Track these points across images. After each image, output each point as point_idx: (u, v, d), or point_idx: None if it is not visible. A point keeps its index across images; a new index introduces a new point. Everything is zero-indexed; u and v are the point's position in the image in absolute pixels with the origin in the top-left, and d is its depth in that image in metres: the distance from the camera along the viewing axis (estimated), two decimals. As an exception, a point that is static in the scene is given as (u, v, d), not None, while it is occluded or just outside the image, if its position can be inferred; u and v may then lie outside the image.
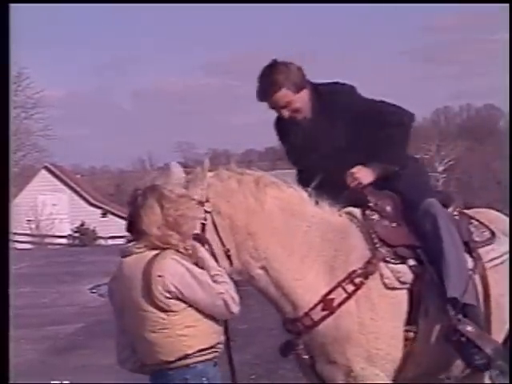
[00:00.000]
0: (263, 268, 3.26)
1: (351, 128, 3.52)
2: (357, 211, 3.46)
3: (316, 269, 3.28)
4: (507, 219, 3.85)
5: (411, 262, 3.36)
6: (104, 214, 35.97)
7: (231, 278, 3.11)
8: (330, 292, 3.25)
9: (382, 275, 3.30)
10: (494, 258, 3.56)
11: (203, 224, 3.17)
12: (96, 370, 7.14)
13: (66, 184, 36.52)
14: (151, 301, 2.92)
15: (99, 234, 30.00)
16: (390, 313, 3.29)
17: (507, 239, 3.65)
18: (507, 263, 3.59)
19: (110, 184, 46.21)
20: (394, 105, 3.61)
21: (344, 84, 3.63)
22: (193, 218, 3.13)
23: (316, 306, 3.24)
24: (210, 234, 3.18)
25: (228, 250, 3.20)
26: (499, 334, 3.56)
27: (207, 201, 3.19)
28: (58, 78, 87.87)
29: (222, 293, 2.97)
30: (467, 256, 3.48)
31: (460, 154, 47.92)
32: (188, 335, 2.95)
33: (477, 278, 3.48)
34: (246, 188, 3.26)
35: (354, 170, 3.46)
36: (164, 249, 3.01)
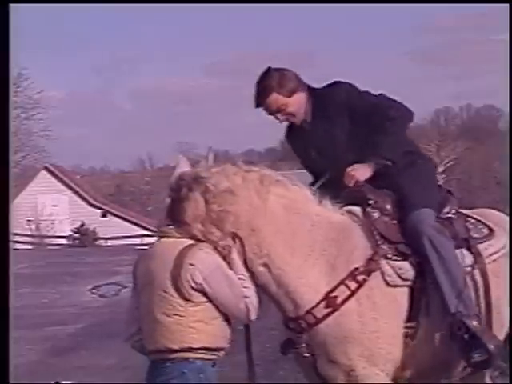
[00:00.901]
0: (265, 265, 3.27)
1: (351, 125, 3.57)
2: (357, 209, 3.49)
3: (318, 268, 3.29)
4: (502, 215, 3.88)
5: (412, 258, 3.37)
6: (104, 215, 35.94)
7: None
8: (333, 290, 3.26)
9: (383, 273, 3.31)
10: (493, 253, 3.59)
11: None
12: (96, 370, 7.14)
13: (65, 184, 36.49)
14: (176, 286, 2.97)
15: (99, 235, 29.98)
16: (392, 311, 3.30)
17: (504, 233, 3.68)
18: (506, 257, 3.61)
19: (110, 184, 46.15)
20: (393, 99, 3.63)
21: (342, 82, 3.65)
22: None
23: (319, 303, 3.25)
24: None
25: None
26: (499, 331, 3.56)
27: None
28: (58, 79, 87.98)
29: (247, 297, 3.03)
30: (467, 253, 3.50)
31: (460, 154, 47.91)
32: (198, 329, 2.98)
33: (477, 273, 3.50)
34: (251, 185, 3.28)
35: (349, 169, 3.49)
36: (202, 241, 3.07)
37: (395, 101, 3.64)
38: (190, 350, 2.96)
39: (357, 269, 3.28)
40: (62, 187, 36.36)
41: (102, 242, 29.22)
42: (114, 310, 9.43)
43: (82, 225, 29.64)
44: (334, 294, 3.25)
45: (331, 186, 3.50)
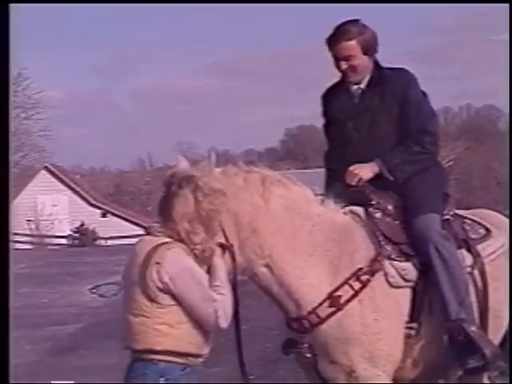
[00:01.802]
0: (267, 266, 3.25)
1: (394, 117, 3.54)
2: (360, 210, 3.47)
3: (320, 268, 3.27)
4: (499, 215, 3.89)
5: (415, 259, 3.36)
6: (104, 215, 35.93)
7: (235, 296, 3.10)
8: (336, 289, 3.25)
9: (386, 274, 3.30)
10: (491, 253, 3.59)
11: None
12: (96, 370, 7.14)
13: (65, 184, 36.48)
14: (142, 285, 2.91)
15: (99, 235, 29.96)
16: (394, 313, 3.29)
17: (501, 233, 3.68)
18: (504, 257, 3.62)
19: (110, 184, 46.13)
20: (433, 115, 3.68)
21: (409, 72, 3.63)
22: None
23: (322, 303, 3.24)
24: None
25: (231, 246, 3.19)
26: (496, 330, 3.58)
27: None
28: (58, 79, 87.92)
29: (215, 301, 2.93)
30: (466, 253, 3.50)
31: (460, 154, 47.80)
32: (163, 332, 2.92)
33: (476, 273, 3.50)
34: (252, 186, 3.27)
35: (352, 168, 3.48)
36: (182, 241, 2.99)
37: (434, 116, 3.69)
38: (153, 352, 2.92)
39: (360, 269, 3.26)
40: (62, 187, 36.34)
41: (101, 241, 29.19)
42: (113, 310, 9.41)
43: (82, 224, 29.62)
44: (337, 294, 3.24)
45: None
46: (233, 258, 3.18)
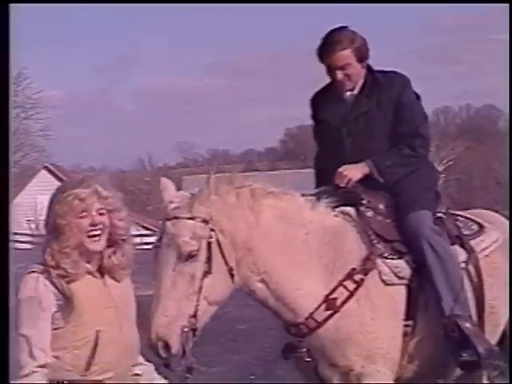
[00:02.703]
0: (263, 281, 3.24)
1: (389, 121, 3.56)
2: (351, 210, 3.46)
3: (315, 275, 3.26)
4: (495, 214, 3.91)
5: (408, 256, 3.35)
6: (104, 214, 35.91)
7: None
8: (331, 292, 3.25)
9: (380, 272, 3.29)
10: (485, 248, 3.60)
11: (209, 242, 3.13)
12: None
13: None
14: None
15: (99, 234, 29.93)
16: (390, 311, 3.28)
17: (495, 229, 3.69)
18: (499, 252, 3.63)
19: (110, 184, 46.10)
20: (424, 117, 3.65)
21: (402, 75, 3.64)
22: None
23: (319, 307, 3.23)
24: (214, 253, 3.14)
25: (231, 269, 3.17)
26: (493, 326, 3.58)
27: (211, 218, 3.16)
28: (58, 78, 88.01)
29: (30, 343, 2.68)
30: (460, 249, 3.50)
31: (460, 154, 47.85)
32: None
33: (471, 269, 3.51)
34: (244, 201, 3.24)
35: (341, 169, 3.48)
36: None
37: (425, 120, 3.66)
38: None
39: (354, 269, 3.26)
40: (62, 187, 36.34)
41: (101, 241, 29.13)
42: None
43: (82, 224, 29.56)
44: (333, 296, 3.23)
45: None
46: (232, 280, 3.17)
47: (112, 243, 2.85)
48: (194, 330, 3.08)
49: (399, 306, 3.32)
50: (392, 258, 3.33)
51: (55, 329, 2.70)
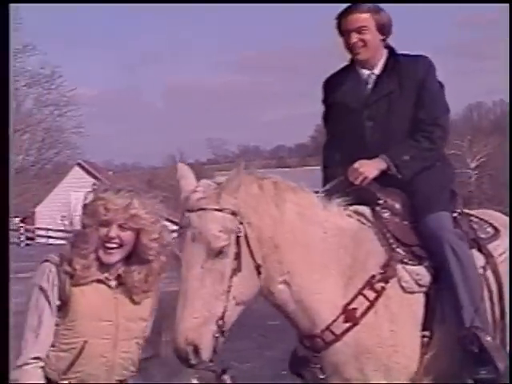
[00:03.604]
0: (285, 283, 2.98)
1: (413, 104, 3.31)
2: (366, 210, 3.20)
3: (334, 280, 3.02)
4: (504, 216, 3.66)
5: (427, 262, 3.12)
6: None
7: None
8: (350, 302, 3.00)
9: (399, 278, 3.06)
10: (502, 253, 3.34)
11: (238, 236, 2.85)
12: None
13: (98, 180, 36.73)
14: None
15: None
16: (409, 322, 3.06)
17: (507, 232, 3.45)
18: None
19: (142, 180, 46.46)
20: (445, 107, 3.41)
21: (427, 58, 3.39)
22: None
23: (337, 318, 2.98)
24: (243, 248, 2.87)
25: (259, 266, 2.90)
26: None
27: (239, 210, 2.88)
28: (91, 77, 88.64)
29: (23, 356, 2.67)
30: (477, 253, 3.26)
31: (493, 150, 47.20)
32: None
33: (489, 274, 3.26)
34: (268, 194, 3.00)
35: (356, 165, 3.22)
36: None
37: (447, 111, 3.41)
38: None
39: (374, 276, 3.01)
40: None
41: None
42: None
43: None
44: (352, 307, 2.98)
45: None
46: (259, 278, 2.91)
47: (138, 261, 2.76)
48: (222, 332, 2.81)
49: (418, 316, 3.08)
50: (413, 264, 3.09)
51: (56, 324, 2.69)
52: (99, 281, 2.72)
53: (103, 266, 2.73)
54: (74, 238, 2.80)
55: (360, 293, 3.01)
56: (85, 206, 2.79)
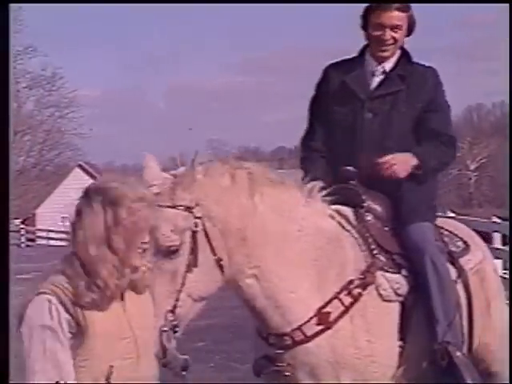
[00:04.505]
0: (254, 276, 2.86)
1: (417, 109, 3.24)
2: (349, 211, 3.11)
3: (310, 280, 2.91)
4: (466, 227, 3.63)
5: (406, 271, 3.04)
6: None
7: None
8: (325, 305, 2.89)
9: (378, 286, 2.97)
10: (472, 268, 3.31)
11: (194, 232, 2.72)
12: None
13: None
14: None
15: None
16: (386, 332, 2.97)
17: (477, 248, 3.43)
18: (482, 272, 3.38)
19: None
20: (450, 127, 3.36)
21: (437, 72, 3.34)
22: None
23: (310, 319, 2.87)
24: (201, 243, 2.74)
25: (220, 259, 2.77)
26: (489, 342, 3.33)
27: (197, 205, 2.74)
28: (93, 77, 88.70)
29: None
30: (450, 266, 3.20)
31: (493, 152, 47.16)
32: None
33: (460, 287, 3.21)
34: (240, 185, 2.85)
35: (389, 157, 3.07)
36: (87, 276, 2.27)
37: (454, 137, 3.34)
38: None
39: (352, 281, 2.91)
40: (95, 185, 36.66)
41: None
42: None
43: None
44: (326, 310, 2.88)
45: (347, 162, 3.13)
46: (222, 273, 2.78)
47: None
48: (174, 327, 2.68)
49: (394, 325, 2.99)
50: (393, 272, 3.00)
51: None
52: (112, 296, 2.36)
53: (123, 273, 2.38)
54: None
55: (336, 297, 2.91)
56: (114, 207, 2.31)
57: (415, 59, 3.37)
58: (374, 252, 3.01)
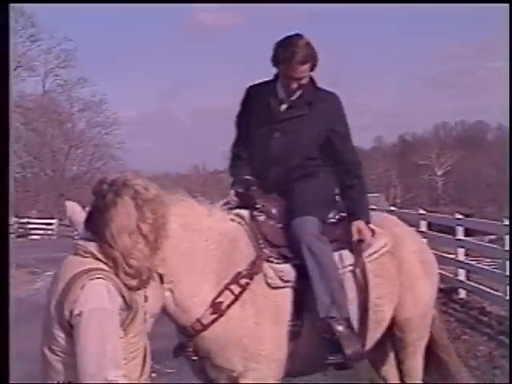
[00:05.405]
0: (169, 290, 2.75)
1: (320, 131, 3.11)
2: (245, 213, 3.02)
3: (209, 282, 2.81)
4: (395, 219, 3.49)
5: (295, 261, 2.94)
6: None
7: None
8: (218, 295, 2.80)
9: (265, 275, 2.89)
10: (374, 253, 3.15)
11: None
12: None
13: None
14: (58, 315, 2.03)
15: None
16: (275, 314, 2.88)
17: (386, 234, 3.24)
18: (389, 254, 3.22)
19: (171, 185, 46.64)
20: (351, 147, 3.19)
21: (338, 97, 3.16)
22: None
23: (206, 311, 2.80)
24: None
25: (162, 275, 2.65)
26: (378, 322, 3.17)
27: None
28: (131, 101, 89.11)
29: (106, 379, 1.94)
30: (348, 253, 3.09)
31: (456, 160, 47.38)
32: (68, 365, 2.05)
33: (357, 271, 3.09)
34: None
35: (361, 226, 3.07)
36: (114, 266, 2.07)
37: (358, 160, 3.22)
38: None
39: (240, 273, 2.83)
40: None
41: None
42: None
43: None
44: (219, 300, 2.79)
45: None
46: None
47: None
48: None
49: (284, 309, 2.90)
50: (277, 263, 2.91)
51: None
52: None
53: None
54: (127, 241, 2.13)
55: (226, 287, 2.81)
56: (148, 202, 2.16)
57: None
58: (261, 246, 2.92)
